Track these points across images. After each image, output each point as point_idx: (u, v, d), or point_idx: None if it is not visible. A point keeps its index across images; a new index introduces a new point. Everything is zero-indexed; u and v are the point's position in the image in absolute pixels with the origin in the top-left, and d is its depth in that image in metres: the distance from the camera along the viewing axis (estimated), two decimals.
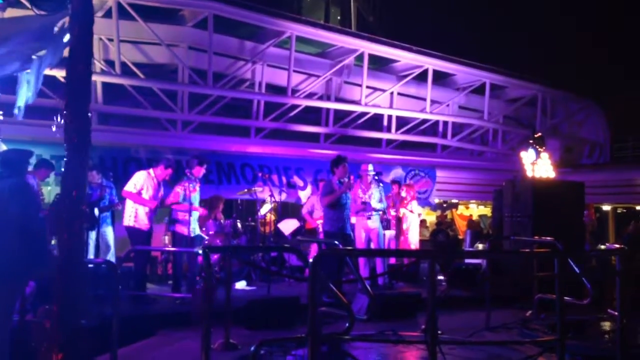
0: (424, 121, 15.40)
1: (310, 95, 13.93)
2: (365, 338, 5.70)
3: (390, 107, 15.08)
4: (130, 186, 7.92)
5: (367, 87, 14.34)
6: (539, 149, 10.62)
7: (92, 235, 8.48)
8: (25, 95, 4.63)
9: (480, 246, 12.16)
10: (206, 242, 9.07)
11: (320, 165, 13.48)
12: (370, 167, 9.31)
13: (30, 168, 5.86)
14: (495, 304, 7.00)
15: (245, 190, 11.09)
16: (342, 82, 14.52)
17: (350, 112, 14.23)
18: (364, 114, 14.35)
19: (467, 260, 10.17)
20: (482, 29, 25.56)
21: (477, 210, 20.25)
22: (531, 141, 10.77)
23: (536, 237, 8.27)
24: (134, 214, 7.93)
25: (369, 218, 9.05)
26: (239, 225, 10.39)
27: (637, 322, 5.70)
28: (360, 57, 13.98)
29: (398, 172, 14.95)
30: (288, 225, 10.69)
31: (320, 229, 9.60)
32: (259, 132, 13.18)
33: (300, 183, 13.32)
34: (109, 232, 8.87)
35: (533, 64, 22.11)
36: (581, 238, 9.90)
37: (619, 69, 23.89)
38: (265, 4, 12.57)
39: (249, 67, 13.02)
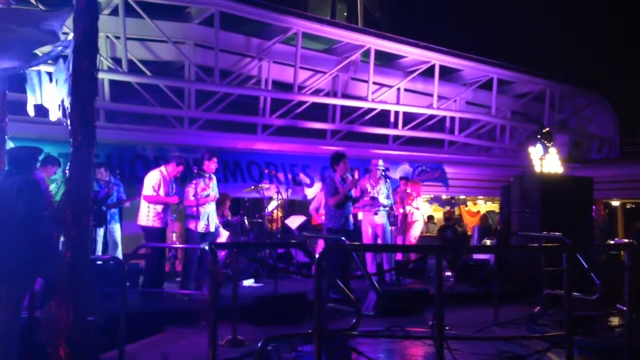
0: (431, 117, 15.35)
1: (316, 92, 13.92)
2: (373, 334, 5.69)
3: (397, 103, 15.04)
4: (149, 190, 7.91)
5: (374, 83, 14.30)
6: (547, 145, 10.58)
7: (100, 232, 8.52)
8: (60, 94, 4.60)
9: (488, 242, 12.12)
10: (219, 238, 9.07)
11: (327, 162, 13.31)
12: (381, 162, 9.31)
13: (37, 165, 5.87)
14: (503, 299, 6.97)
15: (252, 187, 11.09)
16: (349, 79, 14.48)
17: (357, 109, 14.21)
18: (370, 110, 14.32)
19: (475, 256, 10.15)
20: (489, 24, 25.45)
21: (485, 206, 20.18)
22: (539, 136, 10.74)
23: (544, 232, 8.23)
24: (152, 214, 7.92)
25: (375, 214, 9.04)
26: (246, 222, 10.41)
27: None
28: (366, 53, 13.94)
29: (405, 169, 14.91)
30: (295, 220, 10.70)
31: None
32: (266, 129, 13.18)
33: (307, 180, 13.31)
34: (116, 229, 8.91)
35: (541, 59, 22.00)
36: (590, 234, 9.84)
37: (629, 63, 23.73)
38: (271, 0, 12.56)
39: (256, 64, 13.02)
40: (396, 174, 13.87)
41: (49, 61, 4.95)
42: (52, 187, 8.05)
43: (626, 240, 11.04)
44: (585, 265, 6.55)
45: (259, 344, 3.86)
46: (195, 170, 8.17)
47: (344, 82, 14.43)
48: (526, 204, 9.30)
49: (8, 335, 4.43)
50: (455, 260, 9.87)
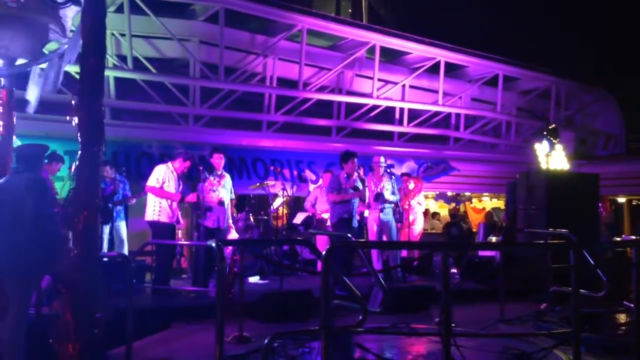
0: (437, 114, 15.32)
1: (321, 89, 13.90)
2: (379, 330, 5.69)
3: (402, 99, 15.01)
4: (153, 181, 7.93)
5: (379, 79, 14.27)
6: (553, 141, 10.55)
7: (106, 229, 8.55)
8: (38, 90, 4.65)
9: (493, 239, 12.10)
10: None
11: (332, 159, 13.45)
12: (382, 159, 9.30)
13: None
14: (509, 296, 6.96)
15: (258, 184, 11.11)
16: (354, 75, 14.46)
17: (362, 105, 14.19)
18: (375, 106, 14.30)
19: (481, 253, 10.14)
20: (495, 19, 25.35)
21: (490, 203, 20.13)
22: (545, 133, 10.71)
23: (550, 229, 8.21)
24: (158, 209, 7.92)
25: (381, 211, 9.04)
26: (252, 219, 10.42)
27: None
28: (371, 50, 13.91)
29: (411, 165, 14.89)
30: (299, 216, 10.71)
31: (328, 222, 9.60)
32: (271, 126, 13.18)
33: (313, 177, 13.30)
34: (122, 226, 8.94)
35: (546, 55, 21.91)
36: (596, 230, 9.81)
37: (635, 59, 23.59)
38: None
39: (260, 60, 13.01)
40: (401, 170, 13.87)
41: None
42: (57, 185, 8.08)
43: (633, 237, 11.00)
44: (592, 262, 6.53)
45: (266, 341, 3.86)
46: (201, 169, 8.18)
47: (348, 78, 14.40)
48: (532, 200, 9.28)
49: (16, 331, 4.45)
50: (460, 257, 9.85)
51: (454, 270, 10.07)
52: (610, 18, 24.77)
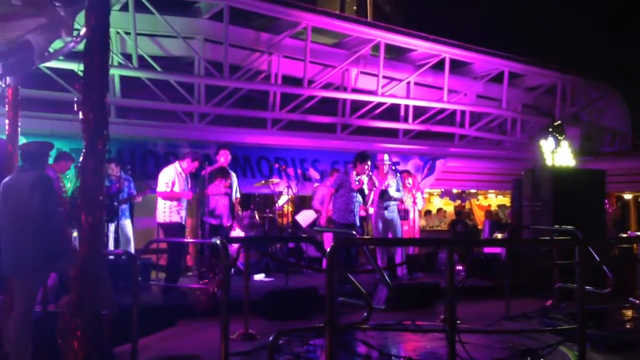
0: (442, 111, 15.28)
1: (326, 86, 13.88)
2: (384, 327, 5.70)
3: (407, 97, 14.98)
4: (162, 186, 7.95)
5: (384, 77, 14.24)
6: (559, 138, 10.50)
7: (112, 228, 8.59)
8: None
9: (499, 236, 12.09)
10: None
11: (336, 157, 13.47)
12: (386, 156, 9.29)
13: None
14: (514, 293, 6.94)
15: (263, 181, 11.12)
16: (359, 73, 14.44)
17: (366, 103, 14.17)
18: (380, 104, 14.28)
19: (486, 250, 10.12)
20: (500, 16, 25.27)
21: (495, 200, 20.11)
22: (551, 129, 10.65)
23: (556, 226, 8.19)
24: (169, 210, 7.96)
25: (386, 208, 9.04)
26: (257, 216, 10.44)
27: None
28: (376, 47, 13.88)
29: (416, 163, 14.88)
30: (305, 217, 10.70)
31: None
32: (276, 124, 13.18)
33: (317, 176, 13.30)
34: (127, 224, 8.97)
35: (552, 51, 21.83)
36: (602, 227, 9.77)
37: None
38: None
39: (265, 58, 13.00)
40: (407, 168, 13.85)
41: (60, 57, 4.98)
42: (66, 183, 8.12)
43: (639, 234, 10.95)
44: (598, 258, 6.51)
45: (271, 338, 3.87)
46: (207, 167, 8.20)
47: (353, 76, 14.38)
48: (538, 197, 9.24)
49: (23, 329, 4.48)
50: (466, 254, 9.84)
51: (459, 267, 10.04)
52: (618, 13, 24.63)
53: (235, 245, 8.23)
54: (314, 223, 10.53)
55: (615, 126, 18.92)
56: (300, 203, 11.88)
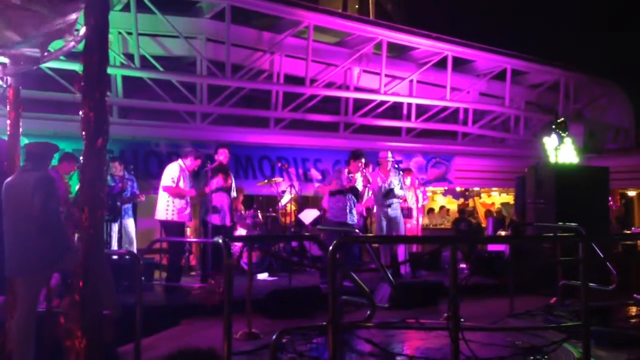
0: (444, 109, 15.25)
1: (328, 85, 13.88)
2: (387, 325, 5.68)
3: (410, 95, 14.96)
4: (168, 181, 7.95)
5: (386, 75, 14.23)
6: (562, 135, 10.48)
7: (115, 227, 8.59)
8: None
9: (502, 234, 12.06)
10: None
11: (339, 155, 13.45)
12: (389, 154, 9.29)
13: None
14: (518, 291, 6.93)
15: (266, 180, 11.11)
16: (361, 71, 14.43)
17: (369, 101, 14.15)
18: (383, 102, 14.26)
19: (490, 248, 10.10)
20: (502, 13, 25.22)
21: (499, 198, 20.05)
22: (554, 127, 10.63)
23: (560, 223, 8.16)
24: (172, 208, 7.95)
25: (389, 206, 9.03)
26: (260, 216, 10.44)
27: None
28: (378, 46, 13.87)
29: (419, 161, 14.85)
30: (308, 215, 10.70)
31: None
32: (278, 123, 13.17)
33: (319, 176, 13.28)
34: (130, 224, 8.98)
35: (555, 48, 21.76)
36: (606, 224, 9.74)
37: None
38: None
39: (267, 57, 13.00)
40: (410, 166, 13.84)
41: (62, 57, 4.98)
42: (71, 184, 8.13)
43: None
44: (602, 255, 6.49)
45: (274, 337, 3.86)
46: (210, 166, 8.20)
47: (356, 75, 14.36)
48: (541, 194, 9.21)
49: (26, 329, 4.49)
50: (469, 251, 9.83)
51: (462, 265, 10.05)
52: (621, 10, 24.55)
53: (238, 245, 8.25)
54: (316, 221, 10.53)
55: (619, 123, 18.85)
56: (303, 202, 11.87)
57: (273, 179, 10.90)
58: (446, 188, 16.82)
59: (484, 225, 15.75)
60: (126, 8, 10.81)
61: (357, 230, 7.70)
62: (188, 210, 8.18)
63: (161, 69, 11.61)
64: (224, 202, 8.21)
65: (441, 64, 14.86)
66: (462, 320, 4.41)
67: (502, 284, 7.57)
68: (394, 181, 9.10)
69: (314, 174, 13.32)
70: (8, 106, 5.03)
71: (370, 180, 8.69)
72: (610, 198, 11.20)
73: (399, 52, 15.06)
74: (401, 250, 9.39)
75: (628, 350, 4.96)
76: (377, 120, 14.30)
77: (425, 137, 15.28)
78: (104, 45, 3.16)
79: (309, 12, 12.79)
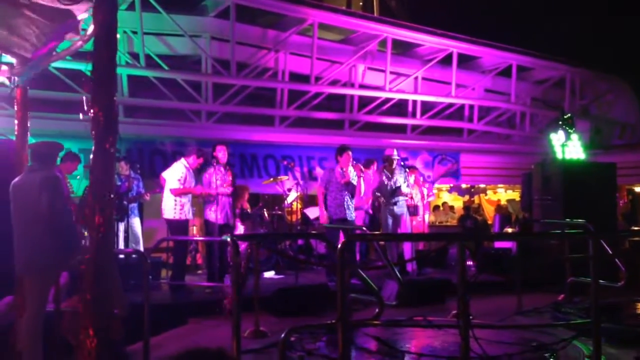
0: (450, 105, 15.22)
1: (333, 83, 13.85)
2: (396, 323, 5.67)
3: (415, 92, 14.92)
4: (175, 183, 7.98)
5: (391, 72, 14.19)
6: (569, 131, 10.43)
7: (121, 227, 8.60)
8: None
9: (509, 230, 12.02)
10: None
11: None
12: (395, 152, 9.28)
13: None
14: (526, 288, 6.91)
15: (271, 179, 11.11)
16: (366, 68, 14.40)
17: (374, 99, 14.12)
18: (388, 100, 14.23)
19: (497, 245, 10.08)
20: (506, 9, 25.10)
21: (505, 194, 20.01)
22: (560, 123, 10.58)
23: (567, 219, 8.13)
24: (179, 207, 7.98)
25: (395, 204, 9.02)
26: (266, 214, 10.44)
27: None
28: (383, 43, 13.84)
29: (425, 158, 14.82)
30: (315, 210, 10.70)
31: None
32: (283, 121, 13.17)
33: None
34: (136, 223, 9.00)
35: (560, 43, 21.66)
36: (613, 220, 9.70)
37: None
38: None
39: (272, 55, 12.98)
40: (416, 163, 13.82)
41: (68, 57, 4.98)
42: (73, 183, 8.13)
43: None
44: (610, 251, 6.46)
45: (282, 335, 3.85)
46: (214, 163, 8.20)
47: (361, 72, 14.33)
48: (548, 191, 9.18)
49: (34, 327, 4.50)
50: (477, 249, 9.80)
51: (469, 263, 10.02)
52: (624, 3, 24.41)
53: (244, 244, 8.24)
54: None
55: (625, 119, 18.77)
56: (309, 201, 11.86)
57: (279, 177, 10.90)
58: (452, 185, 16.80)
59: (490, 222, 15.73)
60: (131, 7, 10.81)
61: (364, 228, 7.68)
62: (192, 209, 8.24)
63: (166, 67, 11.61)
64: (224, 201, 8.19)
65: (446, 60, 14.82)
66: (470, 317, 4.40)
67: (508, 281, 7.55)
68: (400, 179, 9.09)
69: (319, 172, 13.30)
70: (16, 106, 5.04)
71: (363, 170, 8.70)
72: (617, 194, 11.14)
73: (403, 49, 15.03)
74: (407, 248, 9.38)
75: (638, 347, 4.93)
76: (383, 118, 14.28)
77: (430, 134, 15.25)
78: (113, 45, 3.15)
79: (314, 10, 12.77)
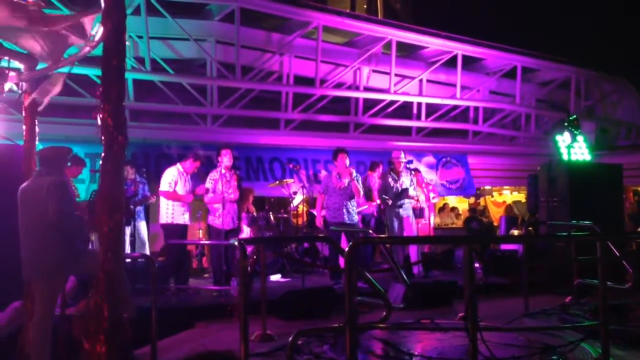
0: (455, 107, 15.21)
1: (338, 85, 13.87)
2: (404, 326, 5.67)
3: (420, 94, 14.92)
4: (165, 186, 8.04)
5: (396, 75, 14.19)
6: (574, 132, 10.42)
7: (127, 230, 8.63)
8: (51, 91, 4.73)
9: (515, 232, 12.00)
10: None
11: (349, 156, 13.42)
12: (402, 154, 9.29)
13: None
14: (532, 290, 6.88)
15: (277, 182, 11.12)
16: (370, 71, 14.41)
17: (379, 101, 14.13)
18: (393, 102, 14.23)
19: (503, 247, 10.06)
20: (510, 10, 25.10)
21: (510, 196, 19.97)
22: (566, 124, 10.57)
23: (573, 221, 8.12)
24: (171, 212, 8.05)
25: (401, 206, 9.03)
26: (272, 217, 10.45)
27: None
28: (387, 45, 13.84)
29: (429, 160, 14.81)
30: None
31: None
32: (288, 124, 13.18)
33: None
34: (142, 226, 9.02)
35: (565, 45, 21.64)
36: (620, 221, 9.68)
37: None
38: None
39: (277, 59, 13.01)
40: (421, 165, 13.81)
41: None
42: (79, 187, 8.17)
43: None
44: (617, 253, 6.45)
45: (290, 338, 3.86)
46: (219, 166, 8.22)
47: (365, 75, 14.34)
48: (554, 192, 9.17)
49: (42, 332, 4.52)
50: (483, 251, 9.79)
51: (476, 265, 10.01)
52: (630, 4, 24.38)
53: (249, 247, 8.25)
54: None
55: (630, 119, 18.72)
56: (315, 203, 11.86)
57: (284, 181, 10.91)
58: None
59: (496, 224, 15.70)
60: (137, 12, 10.85)
61: (370, 231, 7.69)
62: (187, 213, 8.26)
63: (172, 71, 11.65)
64: (229, 206, 8.20)
65: (451, 62, 14.81)
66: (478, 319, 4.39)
67: (515, 283, 7.53)
68: (406, 181, 9.10)
69: (324, 175, 13.29)
70: (24, 112, 5.07)
71: (354, 173, 8.72)
72: (623, 195, 11.11)
73: (408, 52, 15.03)
74: (413, 250, 9.38)
75: None
76: (387, 120, 14.28)
77: (435, 136, 15.23)
78: (122, 50, 3.18)
79: (318, 13, 12.79)
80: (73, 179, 7.97)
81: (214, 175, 8.17)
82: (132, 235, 8.66)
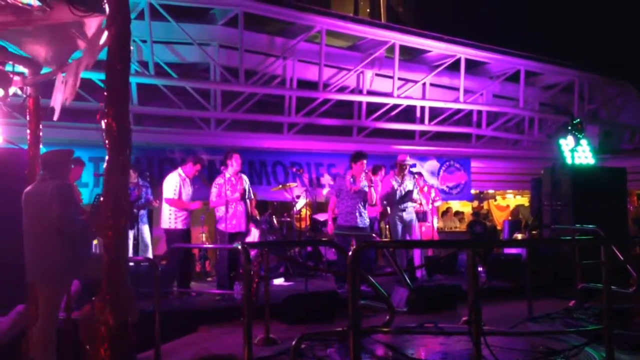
0: (458, 111, 15.20)
1: (341, 89, 13.88)
2: (407, 330, 5.66)
3: (423, 98, 14.92)
4: (170, 193, 8.05)
5: (399, 78, 14.19)
6: (578, 136, 10.41)
7: (131, 234, 8.65)
8: (61, 96, 4.75)
9: (519, 236, 11.98)
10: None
11: None
12: (408, 158, 9.30)
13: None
14: (536, 294, 6.86)
15: (280, 186, 11.13)
16: (374, 75, 14.42)
17: (382, 105, 14.13)
18: (396, 106, 14.24)
19: (507, 251, 10.04)
20: (514, 14, 25.11)
21: (514, 200, 19.95)
22: (570, 128, 10.56)
23: (577, 225, 8.10)
24: (173, 217, 8.06)
25: (404, 210, 9.02)
26: (275, 221, 10.45)
27: None
28: (391, 49, 13.86)
29: (433, 164, 14.81)
30: (324, 215, 10.72)
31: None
32: (292, 128, 13.19)
33: (331, 182, 13.26)
34: (146, 230, 9.05)
35: (569, 48, 21.63)
36: (624, 225, 9.66)
37: None
38: None
39: (280, 63, 13.03)
40: (423, 170, 13.81)
41: None
42: (82, 191, 8.19)
43: None
44: (621, 257, 6.43)
45: (293, 342, 3.86)
46: (223, 170, 8.22)
47: (368, 78, 14.36)
48: (558, 196, 9.16)
49: (47, 335, 4.52)
50: (486, 255, 9.77)
51: (479, 269, 9.99)
52: (634, 8, 24.36)
53: (253, 251, 8.24)
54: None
55: (634, 123, 18.68)
56: (318, 207, 11.88)
57: (287, 184, 10.92)
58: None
59: (499, 227, 15.68)
60: (140, 16, 10.89)
61: (374, 235, 7.69)
62: (189, 218, 8.28)
63: (175, 76, 11.68)
64: (236, 209, 8.19)
65: (454, 66, 14.82)
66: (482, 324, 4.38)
67: (518, 287, 7.51)
68: (410, 184, 9.10)
69: (327, 179, 13.30)
70: (28, 116, 5.09)
71: (373, 180, 8.70)
72: (627, 199, 11.10)
73: (411, 55, 15.04)
74: (417, 254, 9.38)
75: None
76: (391, 124, 14.28)
77: (439, 140, 15.22)
78: (126, 55, 3.19)
79: (321, 17, 12.82)
80: (75, 180, 7.99)
81: (219, 180, 8.17)
82: (136, 238, 8.68)
